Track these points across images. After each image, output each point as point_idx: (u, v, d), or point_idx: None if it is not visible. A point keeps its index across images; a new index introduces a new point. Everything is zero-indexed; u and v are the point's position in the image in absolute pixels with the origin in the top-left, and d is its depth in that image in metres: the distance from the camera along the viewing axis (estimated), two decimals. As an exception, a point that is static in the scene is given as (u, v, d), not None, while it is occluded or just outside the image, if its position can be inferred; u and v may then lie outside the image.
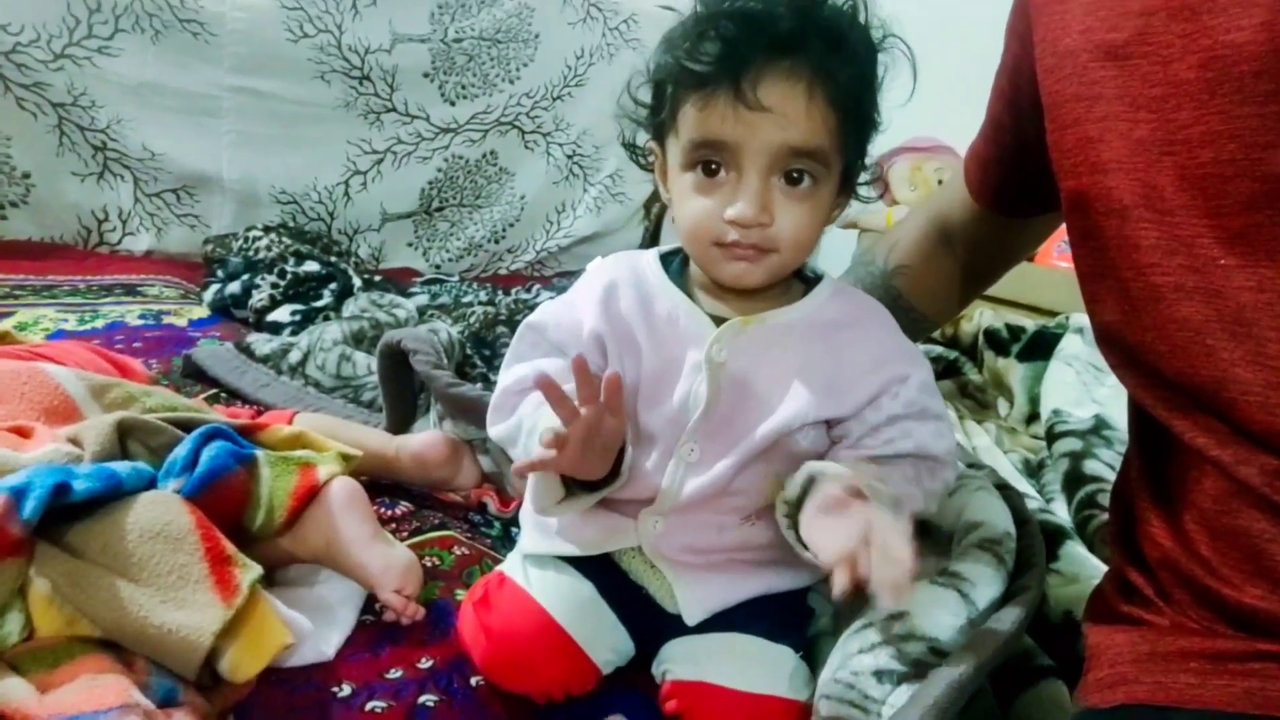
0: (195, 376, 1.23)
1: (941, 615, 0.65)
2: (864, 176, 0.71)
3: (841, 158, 0.65)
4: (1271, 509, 0.51)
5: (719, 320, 0.68)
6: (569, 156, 2.34)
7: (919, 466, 0.68)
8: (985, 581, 0.68)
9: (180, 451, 0.72)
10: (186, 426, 0.77)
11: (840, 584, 0.53)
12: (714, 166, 0.63)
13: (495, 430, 0.74)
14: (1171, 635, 0.55)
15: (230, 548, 0.67)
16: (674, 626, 0.70)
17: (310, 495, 0.75)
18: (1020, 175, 0.77)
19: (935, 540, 0.77)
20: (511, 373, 0.73)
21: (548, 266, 2.37)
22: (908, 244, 0.92)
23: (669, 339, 0.69)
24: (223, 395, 1.19)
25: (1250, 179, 0.50)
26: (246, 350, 1.27)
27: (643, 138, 0.73)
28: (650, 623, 0.71)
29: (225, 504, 0.71)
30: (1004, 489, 0.85)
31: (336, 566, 0.76)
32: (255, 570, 0.66)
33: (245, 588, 0.65)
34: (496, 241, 2.30)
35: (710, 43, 0.61)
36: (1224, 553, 0.53)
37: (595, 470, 0.65)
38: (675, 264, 0.74)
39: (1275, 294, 0.49)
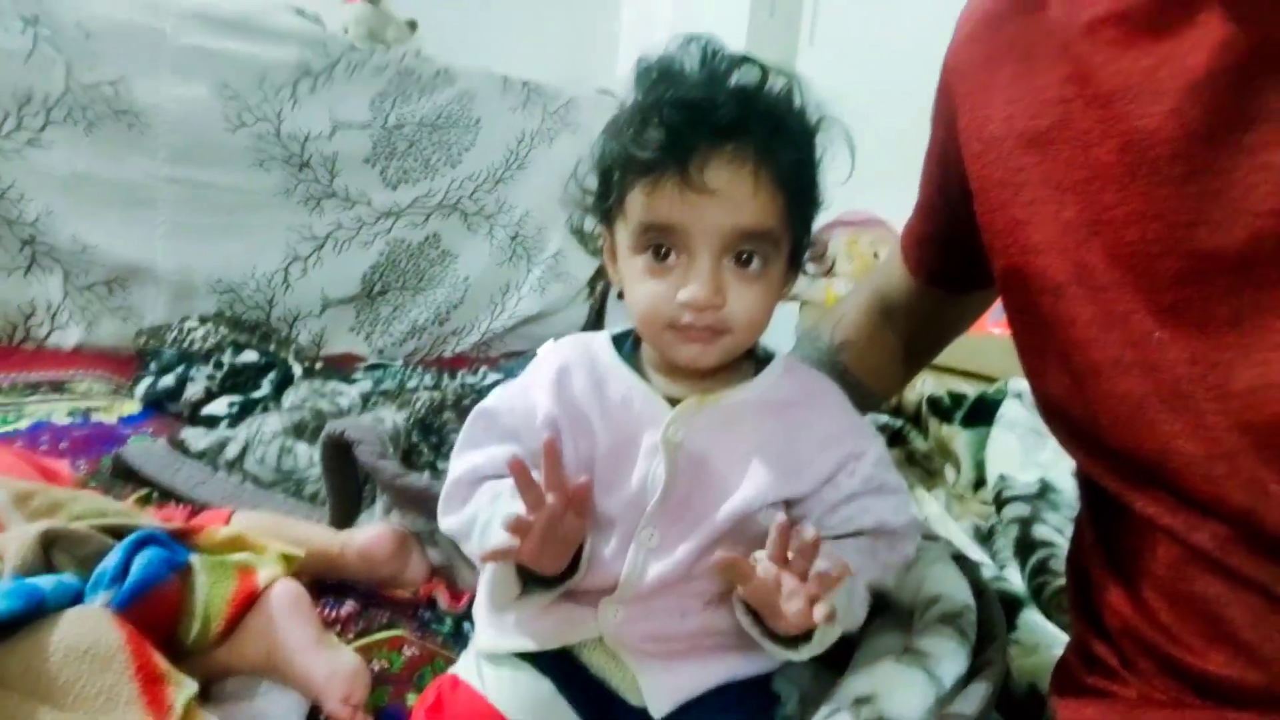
0: (126, 476, 1.18)
1: (909, 696, 0.64)
2: (809, 253, 0.73)
3: (790, 237, 0.66)
4: (1225, 573, 0.51)
5: (673, 401, 0.68)
6: (512, 237, 2.36)
7: (876, 541, 0.68)
8: (950, 657, 0.68)
9: (110, 561, 0.68)
10: (117, 533, 0.73)
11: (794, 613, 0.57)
12: (664, 250, 0.64)
13: (446, 523, 0.72)
14: (1140, 708, 0.55)
15: (163, 664, 0.63)
16: (635, 721, 0.68)
17: (249, 601, 0.72)
18: (955, 253, 0.79)
19: (895, 614, 0.77)
20: (463, 460, 0.72)
21: (493, 348, 2.36)
22: (851, 320, 0.93)
23: (624, 422, 0.69)
24: (155, 495, 1.14)
25: (1176, 256, 0.52)
26: (180, 446, 1.23)
27: (590, 223, 0.73)
28: (611, 718, 0.68)
29: (158, 616, 0.68)
30: (960, 560, 0.85)
31: (278, 676, 0.72)
32: (190, 687, 0.63)
33: (179, 707, 0.61)
34: (440, 324, 2.28)
35: (655, 130, 0.62)
36: (1183, 618, 0.54)
37: (553, 564, 0.63)
38: (627, 346, 0.73)
39: (1208, 366, 0.51)
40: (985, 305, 0.90)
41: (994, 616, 0.76)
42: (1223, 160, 0.49)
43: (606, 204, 0.68)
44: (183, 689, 0.62)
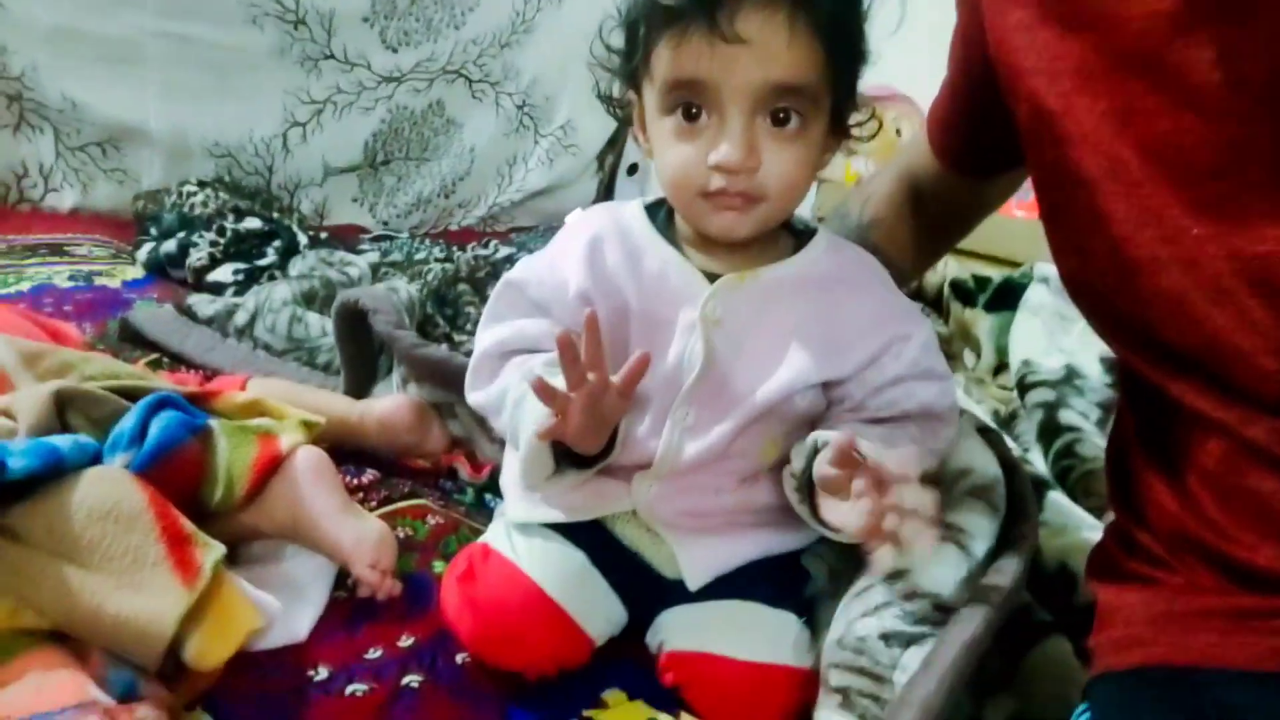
0: (134, 341, 1.15)
1: (942, 570, 0.63)
2: (857, 116, 0.68)
3: (830, 94, 0.61)
4: (1278, 467, 0.49)
5: (711, 277, 0.65)
6: (519, 107, 2.26)
7: (923, 427, 0.66)
8: (981, 531, 0.67)
9: (127, 423, 0.66)
10: (131, 395, 0.71)
11: (880, 563, 0.54)
12: (694, 110, 0.59)
13: (474, 397, 0.69)
14: (1187, 594, 0.54)
15: (189, 526, 0.61)
16: (670, 594, 0.67)
17: (272, 467, 0.70)
18: (981, 138, 0.75)
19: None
20: (490, 333, 0.69)
21: (500, 222, 2.30)
22: (880, 198, 0.90)
23: (660, 296, 0.65)
24: (165, 361, 1.11)
25: (1210, 148, 0.49)
26: (188, 312, 1.19)
27: (618, 89, 0.68)
28: (644, 590, 0.68)
29: (180, 478, 0.66)
30: (984, 432, 0.83)
31: (304, 542, 0.71)
32: (218, 549, 0.61)
33: (208, 569, 0.60)
34: (446, 196, 2.21)
35: None
36: (1233, 514, 0.52)
37: (590, 443, 0.61)
38: (661, 216, 0.70)
39: (1246, 261, 0.48)
40: (1014, 187, 0.86)
41: (1025, 492, 0.74)
42: (1250, 44, 0.46)
43: (632, 64, 0.63)
44: (211, 551, 0.61)
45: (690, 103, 0.59)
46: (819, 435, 0.60)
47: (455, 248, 1.72)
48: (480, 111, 2.21)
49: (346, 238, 1.84)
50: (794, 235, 0.70)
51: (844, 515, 0.56)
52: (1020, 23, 0.58)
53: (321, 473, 0.72)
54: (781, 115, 0.59)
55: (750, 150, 0.59)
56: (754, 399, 0.64)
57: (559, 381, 0.57)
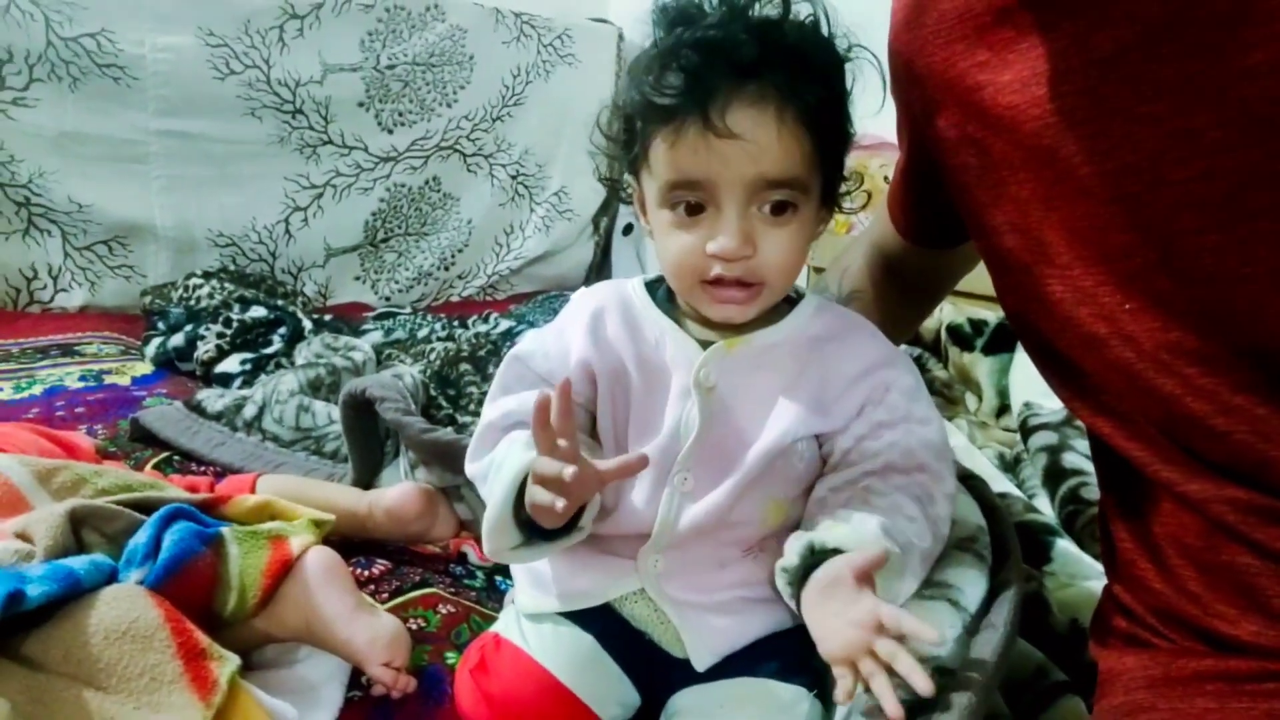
0: (144, 440, 1.17)
1: (939, 631, 0.62)
2: (844, 186, 0.70)
3: (819, 178, 0.64)
4: (1252, 544, 0.50)
5: (706, 345, 0.67)
6: (513, 177, 2.31)
7: (921, 499, 0.66)
8: (971, 583, 0.66)
9: (141, 538, 0.67)
10: (144, 508, 0.72)
11: (844, 690, 0.53)
12: (692, 204, 0.62)
13: (472, 467, 0.70)
14: (1183, 658, 0.54)
15: (204, 639, 0.62)
16: (681, 674, 0.68)
17: (284, 571, 0.71)
18: (934, 217, 0.78)
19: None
20: (496, 406, 0.70)
21: (500, 290, 2.33)
22: (855, 272, 0.93)
23: (656, 365, 0.67)
24: (176, 459, 1.13)
25: (1115, 230, 0.51)
26: (197, 408, 1.21)
27: (617, 170, 0.71)
28: (655, 671, 0.68)
29: (193, 590, 0.67)
30: (967, 479, 0.84)
31: (318, 644, 0.72)
32: (233, 661, 0.62)
33: (224, 682, 0.60)
34: (446, 269, 2.25)
35: (674, 74, 0.60)
36: (1214, 589, 0.52)
37: (550, 516, 0.60)
38: (661, 291, 0.72)
39: (1182, 333, 0.50)
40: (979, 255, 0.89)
41: (1007, 534, 0.74)
42: (1137, 132, 0.48)
43: (631, 153, 0.66)
44: (226, 664, 0.61)
45: (689, 200, 0.62)
46: (814, 539, 0.61)
47: (456, 322, 1.74)
48: (476, 184, 2.26)
49: (350, 317, 1.87)
50: (787, 299, 0.72)
51: (827, 635, 0.56)
52: (948, 122, 0.61)
53: (333, 573, 0.73)
54: (775, 206, 0.61)
55: (746, 239, 0.61)
56: (748, 458, 0.65)
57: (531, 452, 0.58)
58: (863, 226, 1.47)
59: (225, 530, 0.72)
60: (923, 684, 0.50)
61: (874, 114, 0.68)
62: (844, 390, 0.67)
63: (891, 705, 0.50)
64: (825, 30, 0.64)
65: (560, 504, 0.56)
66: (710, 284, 0.63)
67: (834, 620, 0.56)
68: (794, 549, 0.62)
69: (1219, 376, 0.49)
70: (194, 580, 0.67)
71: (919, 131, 0.68)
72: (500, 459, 0.65)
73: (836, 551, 0.59)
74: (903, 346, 1.65)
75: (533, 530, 0.63)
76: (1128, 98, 0.49)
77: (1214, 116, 0.46)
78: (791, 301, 0.71)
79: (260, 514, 0.78)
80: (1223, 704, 0.50)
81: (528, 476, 0.60)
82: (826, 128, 0.62)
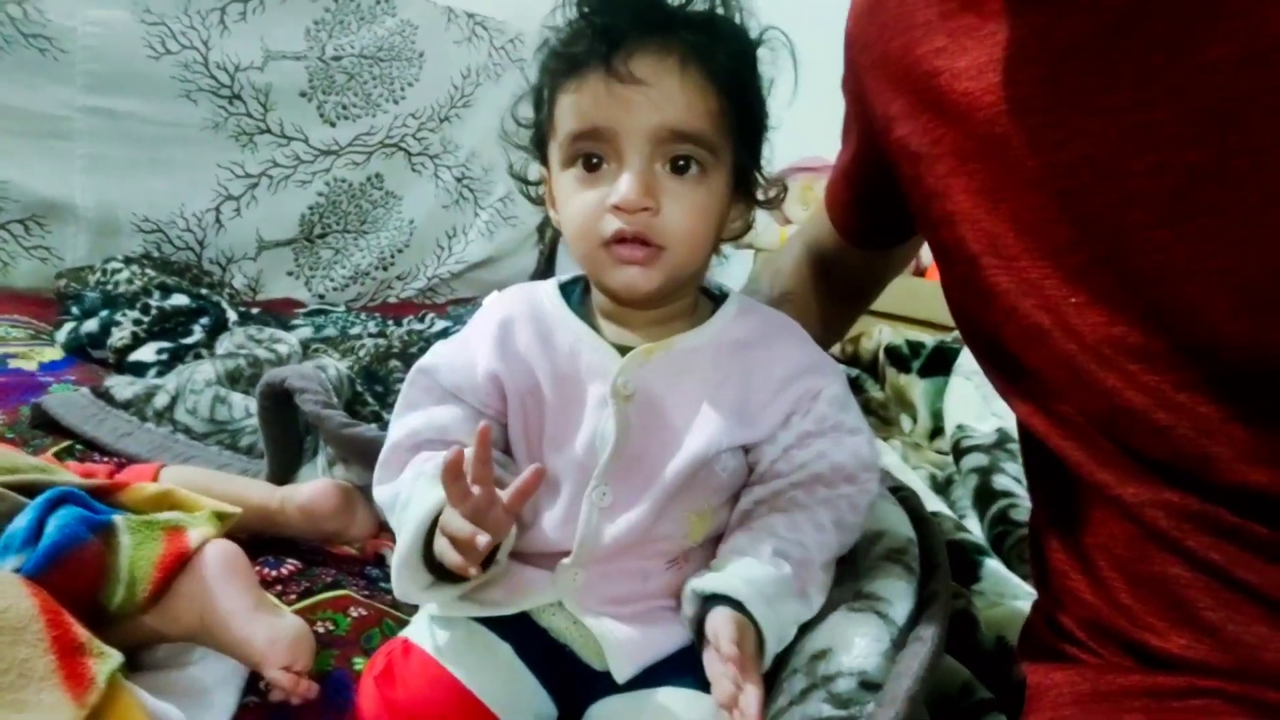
0: (46, 427, 1.10)
1: (864, 643, 0.61)
2: (764, 185, 0.69)
3: (730, 148, 0.63)
4: (1183, 553, 0.49)
5: (624, 350, 0.64)
6: (458, 179, 2.27)
7: (838, 503, 0.65)
8: (900, 596, 0.65)
9: (20, 523, 0.62)
10: (31, 491, 0.67)
11: None
12: (595, 160, 0.60)
13: (379, 492, 0.66)
14: (1111, 674, 0.54)
15: (83, 634, 0.57)
16: (599, 685, 0.65)
17: (179, 564, 0.66)
18: (876, 216, 0.78)
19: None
20: (402, 424, 0.67)
21: (440, 294, 2.28)
22: (788, 273, 0.92)
23: (571, 375, 0.65)
24: (78, 448, 1.07)
25: (1064, 223, 0.50)
26: (105, 395, 1.15)
27: (534, 172, 0.69)
28: (574, 682, 0.65)
29: (77, 581, 0.62)
30: (897, 491, 0.83)
31: (214, 644, 0.67)
32: (114, 658, 0.57)
33: (101, 681, 0.55)
34: (385, 269, 2.19)
35: (579, 25, 0.60)
36: (1144, 601, 0.52)
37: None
38: (576, 294, 0.69)
39: (1126, 328, 0.49)
40: (914, 253, 0.91)
41: (935, 546, 0.73)
42: (1094, 124, 0.48)
43: (539, 125, 0.65)
44: (106, 660, 0.57)
45: (591, 153, 0.60)
46: (699, 585, 0.61)
47: (391, 321, 1.69)
48: (419, 184, 2.22)
49: (280, 312, 1.80)
50: (713, 301, 0.70)
51: (714, 678, 0.57)
52: (901, 110, 0.61)
53: (233, 568, 0.68)
54: (681, 163, 0.60)
55: (647, 191, 0.59)
56: (668, 471, 0.63)
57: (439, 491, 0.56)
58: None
59: (118, 519, 0.67)
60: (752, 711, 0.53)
61: (788, 104, 0.68)
62: (770, 398, 0.65)
63: None
64: (721, 9, 0.64)
65: (472, 571, 0.55)
66: (611, 244, 0.60)
67: (715, 665, 0.57)
68: (687, 597, 0.62)
69: (1161, 374, 0.48)
70: (78, 570, 0.62)
71: (869, 123, 0.67)
72: (407, 496, 0.62)
73: (718, 597, 0.59)
74: (841, 366, 1.65)
75: (443, 569, 0.59)
76: (1086, 88, 0.48)
77: (1172, 111, 0.45)
78: (714, 301, 0.69)
79: (159, 504, 0.73)
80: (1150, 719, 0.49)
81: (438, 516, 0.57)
82: (736, 93, 0.62)
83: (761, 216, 0.76)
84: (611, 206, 0.59)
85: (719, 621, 0.58)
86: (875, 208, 0.75)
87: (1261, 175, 0.44)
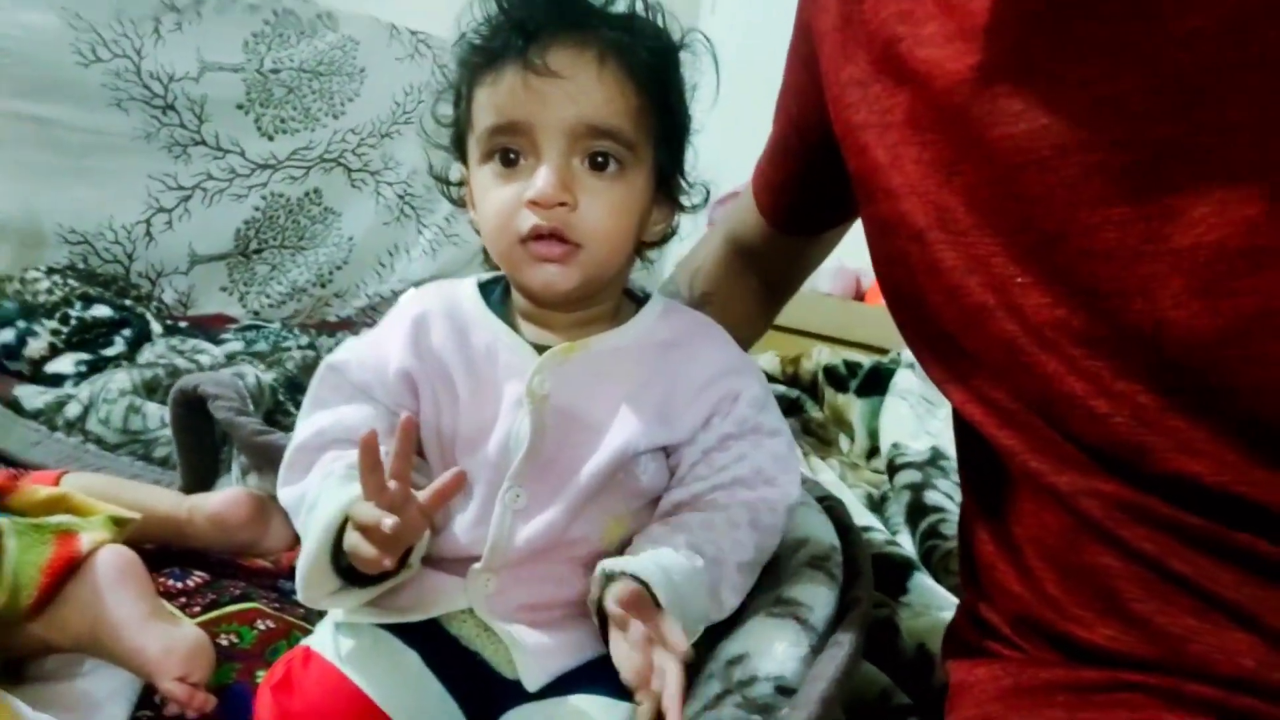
0: (-52, 437, 1.05)
1: (782, 648, 0.60)
2: (688, 191, 0.69)
3: (650, 148, 0.62)
4: (1116, 543, 0.49)
5: (543, 350, 0.63)
6: (400, 196, 2.24)
7: (755, 505, 0.64)
8: (821, 602, 0.64)
9: (-108, 524, 0.59)
10: (-91, 494, 0.63)
11: (643, 714, 0.52)
12: (512, 155, 0.60)
13: (284, 493, 0.64)
14: (1033, 668, 0.53)
15: (-46, 641, 0.54)
16: (510, 693, 0.62)
17: (68, 569, 0.63)
18: (809, 197, 0.77)
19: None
20: (310, 423, 0.64)
21: (380, 312, 2.22)
22: (708, 272, 0.91)
23: (487, 374, 0.63)
24: (-19, 458, 1.02)
25: (1014, 199, 0.49)
26: (13, 405, 1.10)
27: (456, 173, 0.68)
28: (484, 692, 0.63)
29: (-48, 586, 0.58)
30: (824, 500, 0.83)
31: (105, 654, 0.64)
32: (-13, 667, 0.54)
33: (-29, 690, 0.52)
34: (323, 285, 2.15)
35: (496, 19, 0.60)
36: (1072, 592, 0.51)
37: (375, 564, 0.55)
38: (497, 292, 0.68)
39: (1068, 311, 0.48)
40: (837, 240, 0.89)
41: (859, 554, 0.73)
42: (1059, 94, 0.47)
43: (458, 121, 0.64)
44: (-23, 669, 0.53)
45: (508, 147, 0.60)
46: (607, 565, 0.58)
47: (325, 335, 1.66)
48: (359, 200, 2.18)
49: (210, 327, 1.75)
50: (637, 304, 0.69)
51: (620, 657, 0.55)
52: (853, 78, 0.59)
53: (127, 575, 0.65)
54: (599, 159, 0.60)
55: (564, 186, 0.58)
56: (584, 473, 0.61)
57: (358, 485, 0.53)
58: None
59: (3, 521, 0.64)
60: (670, 690, 0.52)
61: (709, 108, 0.69)
62: (690, 400, 0.65)
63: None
64: (660, 22, 0.64)
65: (387, 561, 0.53)
66: (528, 241, 0.59)
67: (622, 645, 0.55)
68: (595, 579, 0.59)
69: (1103, 360, 0.47)
70: (-46, 574, 0.59)
71: (816, 91, 0.65)
72: (314, 496, 0.59)
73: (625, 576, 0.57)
74: (780, 388, 1.66)
75: (352, 573, 0.57)
76: (1055, 58, 0.47)
77: (1143, 82, 0.44)
78: (638, 303, 0.69)
79: (53, 508, 0.70)
80: (1072, 714, 0.49)
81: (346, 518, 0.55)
82: (656, 90, 0.61)
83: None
84: (528, 201, 0.58)
85: (618, 589, 0.56)
86: (810, 187, 0.74)
87: (1230, 152, 0.43)
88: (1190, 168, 0.44)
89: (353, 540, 0.54)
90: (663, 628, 0.53)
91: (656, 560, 0.58)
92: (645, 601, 0.55)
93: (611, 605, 0.55)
